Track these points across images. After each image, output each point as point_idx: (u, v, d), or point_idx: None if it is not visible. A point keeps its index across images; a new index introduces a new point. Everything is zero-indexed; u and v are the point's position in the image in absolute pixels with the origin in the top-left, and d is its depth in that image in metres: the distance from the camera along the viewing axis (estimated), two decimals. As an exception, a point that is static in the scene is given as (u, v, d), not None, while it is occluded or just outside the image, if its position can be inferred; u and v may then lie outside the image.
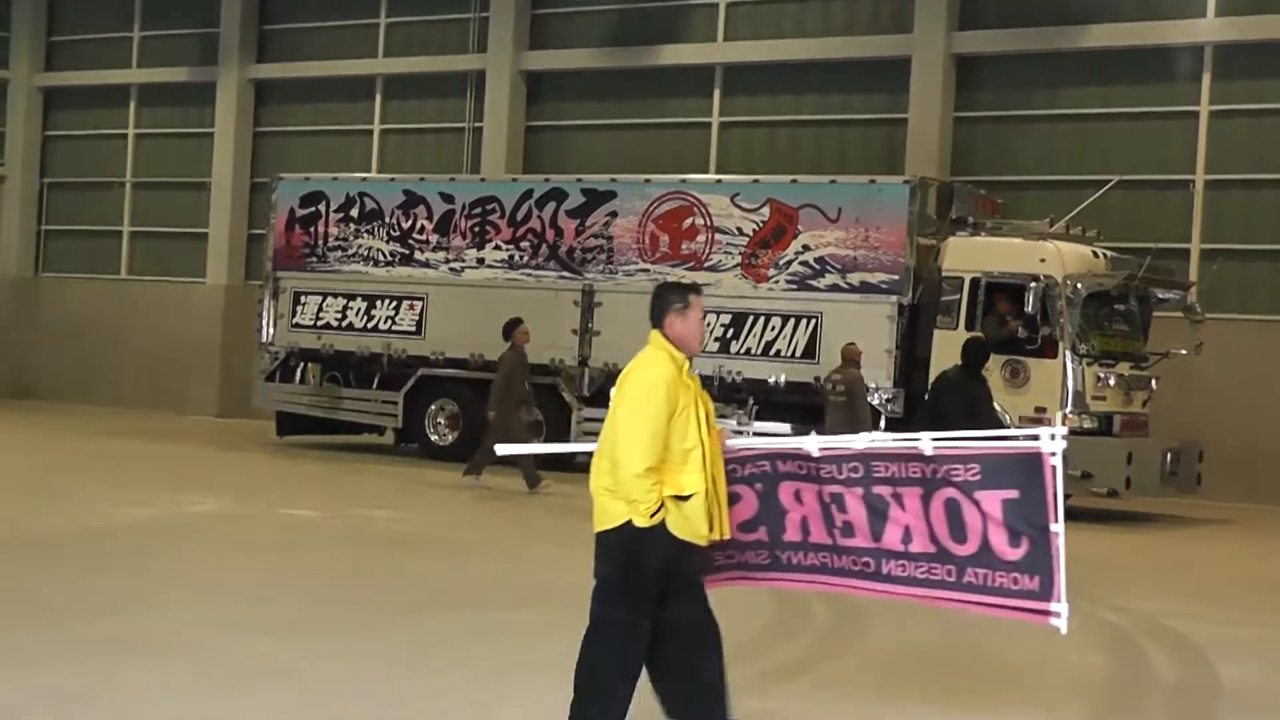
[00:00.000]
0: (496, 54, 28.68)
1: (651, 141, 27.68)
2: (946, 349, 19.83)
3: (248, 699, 8.30)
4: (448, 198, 23.52)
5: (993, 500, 7.13)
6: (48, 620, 9.98)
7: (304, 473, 21.04)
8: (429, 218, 23.55)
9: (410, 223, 23.69)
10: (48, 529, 14.12)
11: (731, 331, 21.16)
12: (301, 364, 24.74)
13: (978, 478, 7.14)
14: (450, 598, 11.60)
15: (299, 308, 24.43)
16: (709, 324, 21.22)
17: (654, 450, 7.10)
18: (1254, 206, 23.48)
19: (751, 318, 21.09)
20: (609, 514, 7.15)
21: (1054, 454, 7.21)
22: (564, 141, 28.56)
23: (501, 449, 8.51)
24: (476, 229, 23.19)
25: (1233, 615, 12.87)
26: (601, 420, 7.56)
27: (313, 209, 24.56)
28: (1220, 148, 23.56)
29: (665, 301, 7.48)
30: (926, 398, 14.77)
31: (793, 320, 20.83)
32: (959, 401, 14.50)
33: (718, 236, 21.41)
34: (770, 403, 21.20)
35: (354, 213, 24.19)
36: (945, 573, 7.23)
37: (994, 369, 19.56)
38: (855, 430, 18.47)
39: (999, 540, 7.14)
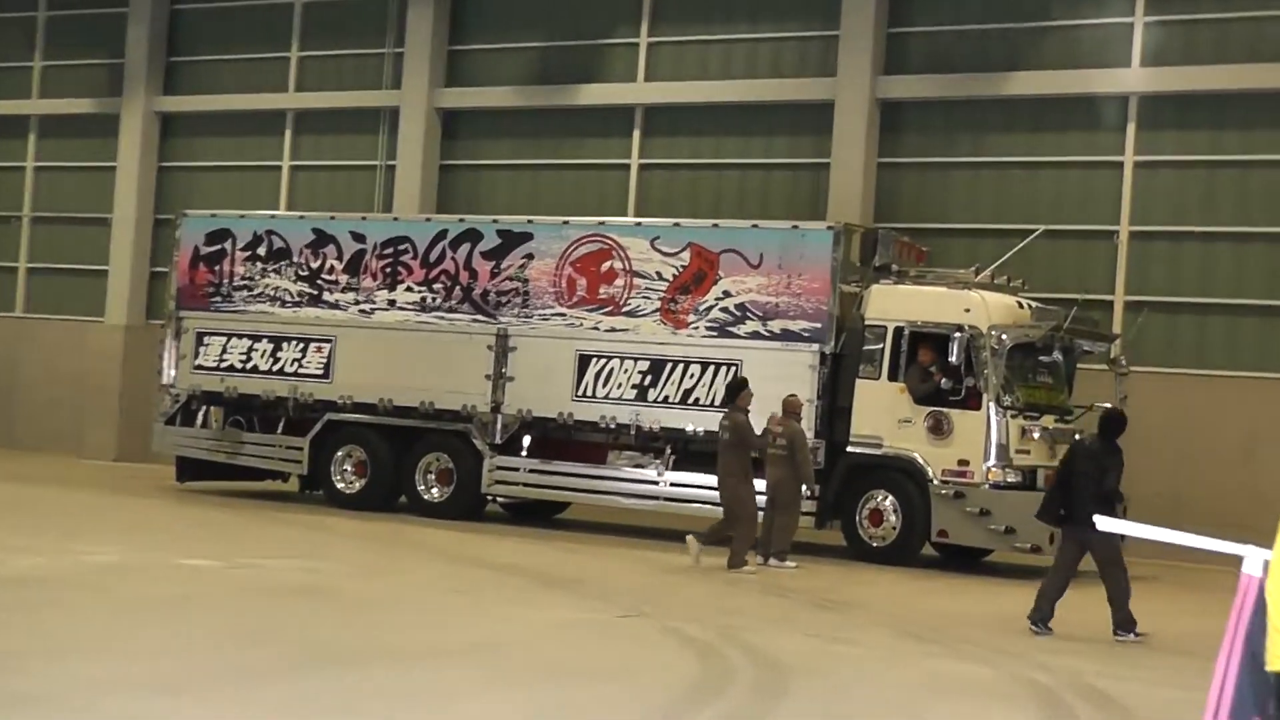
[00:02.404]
0: (411, 90, 28.50)
1: (570, 182, 27.57)
2: (868, 399, 19.86)
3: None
4: (359, 237, 23.27)
5: None
6: (-73, 676, 9.62)
7: (204, 520, 20.65)
8: (339, 257, 23.28)
9: (319, 262, 23.41)
10: (-69, 578, 13.72)
11: (649, 379, 21.01)
12: (204, 407, 24.37)
13: None
14: (354, 652, 11.32)
15: (202, 349, 24.07)
16: (626, 370, 21.09)
17: None
18: (1178, 258, 23.64)
19: (670, 365, 20.95)
20: None
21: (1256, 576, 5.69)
22: (480, 181, 28.39)
23: (1107, 524, 6.52)
24: (388, 270, 22.95)
25: (1159, 676, 12.81)
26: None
27: (218, 247, 24.23)
28: (1145, 198, 23.74)
29: None
30: (1059, 464, 14.90)
31: (712, 368, 20.71)
32: (1092, 470, 14.53)
33: (636, 281, 21.28)
34: (689, 453, 21.05)
35: (261, 251, 23.88)
36: None
37: (916, 421, 19.58)
38: (796, 484, 18.51)
39: None
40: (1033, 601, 14.71)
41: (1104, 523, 6.70)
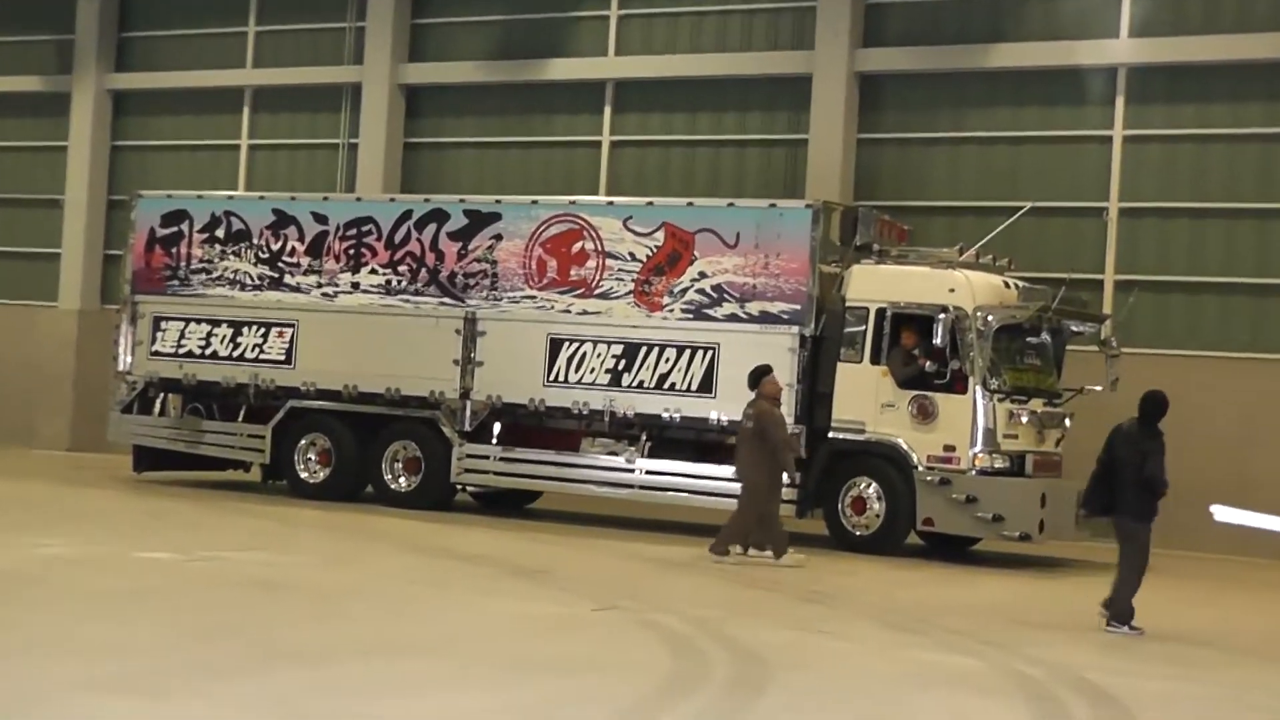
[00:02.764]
0: (373, 65, 28.43)
1: (539, 160, 27.53)
2: (850, 383, 19.87)
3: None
4: (320, 218, 23.20)
5: None
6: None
7: (162, 512, 20.58)
8: (300, 239, 23.22)
9: (280, 244, 23.34)
10: (-122, 574, 13.66)
11: (623, 363, 21.00)
12: (161, 395, 24.28)
13: None
14: (319, 648, 11.30)
15: (159, 334, 23.99)
16: (599, 355, 21.09)
17: None
18: (1168, 235, 23.71)
19: (644, 349, 20.93)
20: None
21: None
22: (445, 159, 28.33)
23: (1224, 514, 6.14)
24: (351, 251, 22.89)
25: (1150, 668, 12.84)
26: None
27: (175, 228, 24.13)
28: (1134, 174, 23.79)
29: None
30: (1102, 451, 14.71)
31: (688, 351, 20.70)
32: (1132, 456, 14.38)
33: (609, 262, 21.26)
34: (664, 439, 21.06)
35: (219, 233, 23.79)
36: None
37: (900, 405, 19.60)
38: (768, 465, 18.38)
39: None
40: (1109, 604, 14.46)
41: (1222, 513, 6.70)
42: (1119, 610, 14.41)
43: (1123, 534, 14.57)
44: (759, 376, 18.63)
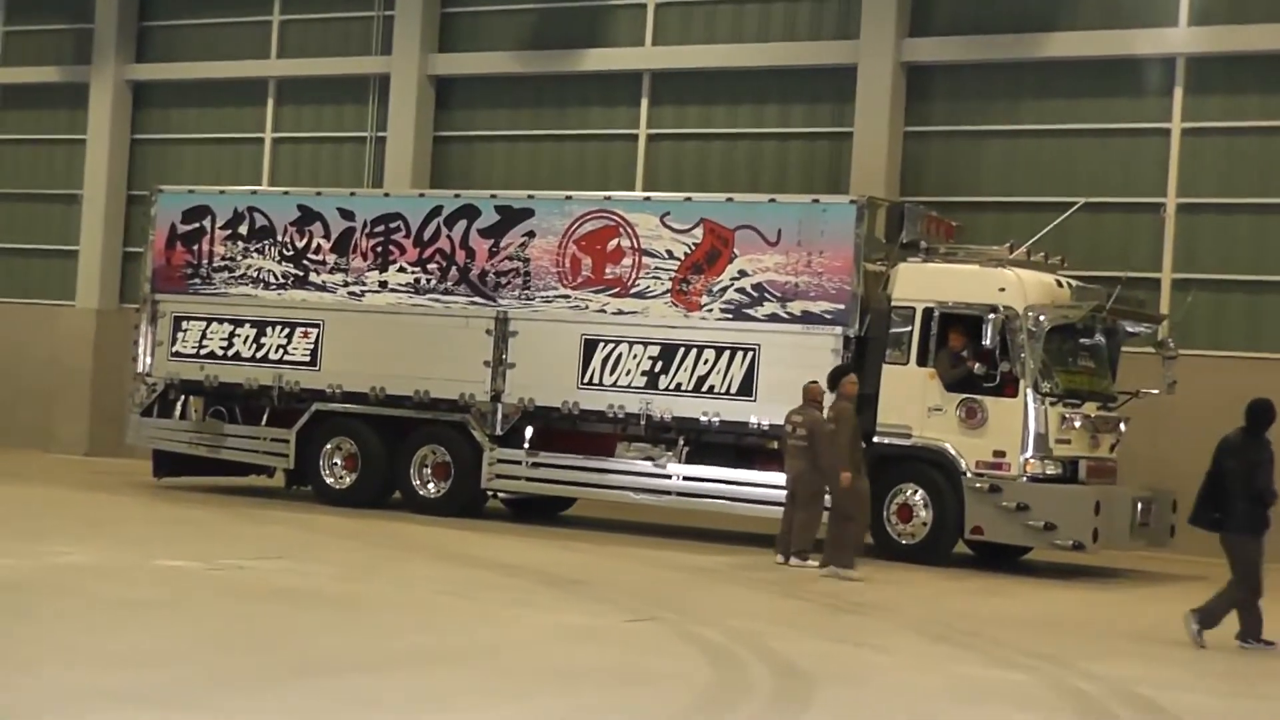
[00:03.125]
0: (402, 56, 28.47)
1: (573, 154, 27.54)
2: (896, 386, 19.83)
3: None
4: (347, 214, 23.26)
5: None
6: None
7: (184, 519, 20.66)
8: (326, 236, 23.27)
9: (305, 241, 23.41)
10: (-109, 582, 13.74)
11: (660, 365, 21.00)
12: (182, 397, 24.38)
13: None
14: (347, 658, 11.32)
15: (180, 335, 24.08)
16: (635, 356, 21.09)
17: None
18: (1229, 232, 23.59)
19: (682, 350, 20.93)
20: None
21: None
22: (476, 153, 28.36)
23: None
24: (379, 249, 22.93)
25: (1212, 683, 12.78)
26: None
27: (196, 225, 24.22)
28: (1193, 168, 23.68)
29: None
30: (1211, 463, 14.57)
31: (728, 353, 20.69)
32: (1239, 467, 14.25)
33: (645, 260, 21.25)
34: (702, 444, 21.05)
35: (242, 229, 23.88)
36: None
37: (948, 409, 19.55)
38: (816, 475, 18.43)
39: None
40: (1239, 624, 14.36)
41: None
42: (1246, 627, 14.25)
43: (1232, 550, 14.38)
44: (839, 376, 18.74)
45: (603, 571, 17.68)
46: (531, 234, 22.02)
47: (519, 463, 21.85)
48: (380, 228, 23.00)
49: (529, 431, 22.14)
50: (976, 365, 19.40)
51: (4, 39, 32.89)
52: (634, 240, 21.37)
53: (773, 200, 21.45)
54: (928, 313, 19.84)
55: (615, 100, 27.39)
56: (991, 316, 19.17)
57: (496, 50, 28.17)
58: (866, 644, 13.55)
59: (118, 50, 31.09)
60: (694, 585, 17.10)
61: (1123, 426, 20.36)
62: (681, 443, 21.13)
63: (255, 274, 23.72)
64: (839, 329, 20.13)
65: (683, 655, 12.27)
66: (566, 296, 21.66)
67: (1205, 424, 22.38)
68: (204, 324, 23.97)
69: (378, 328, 22.83)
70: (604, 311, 21.43)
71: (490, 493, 22.56)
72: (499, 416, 21.96)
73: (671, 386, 20.95)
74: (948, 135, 25.16)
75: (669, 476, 21.18)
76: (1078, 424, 19.60)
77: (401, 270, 22.76)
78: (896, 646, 13.53)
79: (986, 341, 19.20)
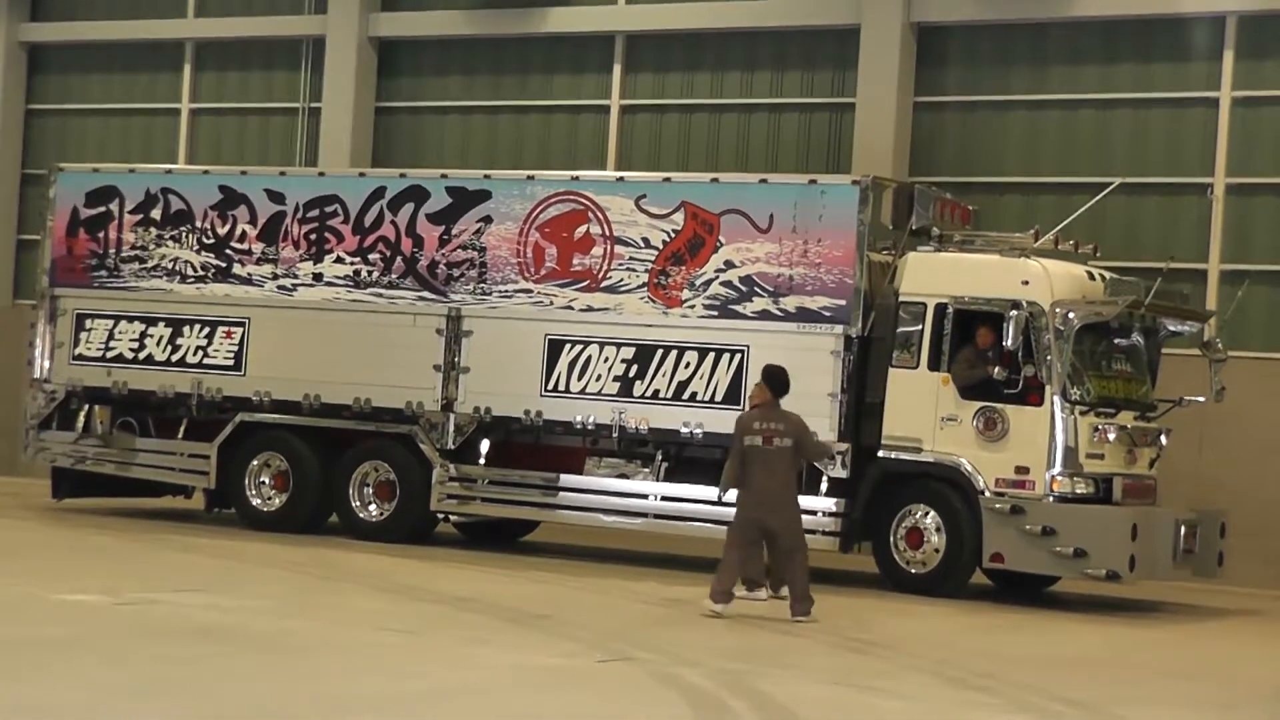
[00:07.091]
0: (339, 15, 28.51)
1: (535, 128, 27.62)
2: (904, 393, 19.91)
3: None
4: (276, 196, 23.29)
5: None
6: None
7: (88, 546, 20.68)
8: (252, 222, 23.31)
9: (228, 227, 23.44)
10: None
11: (635, 369, 21.07)
12: (85, 407, 24.36)
13: None
14: (273, 708, 11.38)
15: (83, 335, 24.09)
16: (606, 359, 21.17)
17: None
18: (1286, 217, 23.75)
19: (660, 352, 21.01)
20: None
21: None
22: (425, 127, 28.43)
23: None
24: (313, 237, 22.98)
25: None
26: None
27: (102, 209, 24.24)
28: (1245, 143, 23.81)
29: None
30: None
31: (712, 355, 20.77)
32: None
33: (618, 249, 21.34)
34: (682, 459, 21.13)
35: (155, 214, 23.89)
36: None
37: (964, 419, 19.64)
38: (796, 508, 18.14)
39: None
40: None
41: None
42: None
43: None
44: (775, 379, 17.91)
45: (570, 605, 17.75)
46: (488, 219, 22.08)
47: (474, 481, 21.89)
48: (314, 212, 23.04)
49: (485, 445, 22.19)
50: (996, 369, 19.47)
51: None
52: (605, 227, 21.45)
53: (764, 181, 21.53)
54: (940, 309, 19.93)
55: (584, 66, 27.47)
56: (1013, 314, 19.25)
57: (448, 9, 28.21)
58: (871, 687, 13.63)
59: (10, 7, 31.06)
60: (673, 620, 17.18)
61: (1164, 439, 20.46)
62: (659, 458, 21.20)
63: (170, 265, 23.74)
64: (839, 328, 20.22)
65: (662, 700, 12.35)
66: (528, 291, 21.72)
67: (1259, 436, 22.66)
68: (111, 322, 23.97)
69: (312, 327, 22.85)
70: (571, 308, 21.50)
71: (441, 515, 22.61)
72: (451, 428, 22.02)
73: (648, 394, 21.03)
74: (964, 106, 25.28)
75: (645, 496, 21.26)
76: (1112, 436, 19.70)
77: (339, 261, 22.81)
78: (906, 690, 13.61)
79: (1008, 342, 19.26)
